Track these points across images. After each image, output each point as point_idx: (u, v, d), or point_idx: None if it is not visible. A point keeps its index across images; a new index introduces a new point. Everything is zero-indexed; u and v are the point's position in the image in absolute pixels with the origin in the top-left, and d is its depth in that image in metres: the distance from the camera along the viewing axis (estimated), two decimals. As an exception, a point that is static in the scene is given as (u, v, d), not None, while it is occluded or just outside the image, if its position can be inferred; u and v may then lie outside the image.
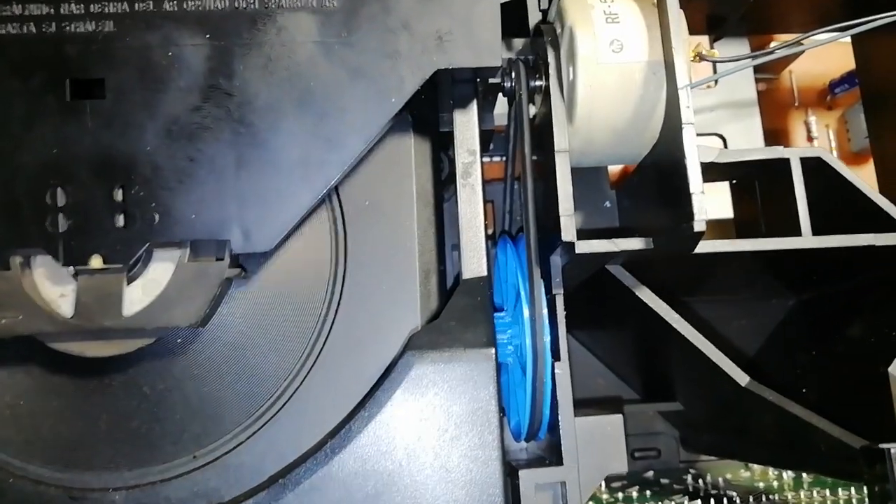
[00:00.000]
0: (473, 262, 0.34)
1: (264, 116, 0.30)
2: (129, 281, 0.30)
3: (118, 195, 0.30)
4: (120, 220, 0.30)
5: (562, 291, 0.33)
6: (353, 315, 0.33)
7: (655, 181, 0.33)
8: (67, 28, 0.30)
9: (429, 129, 0.35)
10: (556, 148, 0.31)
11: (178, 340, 0.32)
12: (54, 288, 0.30)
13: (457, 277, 0.35)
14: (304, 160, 0.30)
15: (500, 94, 0.36)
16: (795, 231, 0.34)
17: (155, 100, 0.30)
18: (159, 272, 0.30)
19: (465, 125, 0.35)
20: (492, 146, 0.43)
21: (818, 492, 0.44)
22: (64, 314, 0.30)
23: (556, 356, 0.32)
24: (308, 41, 0.31)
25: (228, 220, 0.30)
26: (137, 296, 0.30)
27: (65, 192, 0.30)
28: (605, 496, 0.44)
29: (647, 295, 0.34)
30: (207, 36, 0.30)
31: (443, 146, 0.37)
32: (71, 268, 0.30)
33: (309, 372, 0.32)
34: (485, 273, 0.34)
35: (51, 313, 0.29)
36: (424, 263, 0.34)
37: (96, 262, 0.30)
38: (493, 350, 0.31)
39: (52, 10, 0.30)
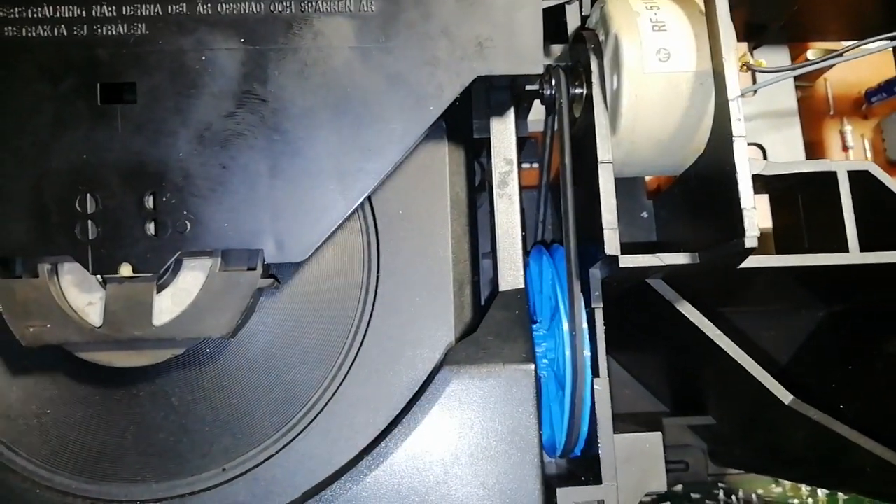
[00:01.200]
0: (510, 274, 0.33)
1: (299, 123, 0.30)
2: (159, 290, 0.30)
3: (149, 202, 0.29)
4: (150, 228, 0.29)
5: (601, 305, 0.32)
6: (386, 326, 0.32)
7: (700, 193, 0.32)
8: (99, 31, 0.30)
9: (462, 135, 0.35)
10: (599, 159, 0.30)
11: (208, 351, 0.32)
12: (82, 296, 0.30)
13: (491, 290, 0.34)
14: (339, 169, 0.30)
15: (538, 102, 0.35)
16: (842, 246, 0.33)
17: (187, 105, 0.29)
18: (189, 281, 0.30)
19: (503, 133, 0.34)
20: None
21: (856, 511, 0.43)
22: (92, 323, 0.29)
23: (595, 372, 0.31)
24: (345, 46, 0.30)
25: (261, 229, 0.29)
26: (167, 305, 0.30)
27: (94, 199, 0.29)
28: (636, 512, 0.43)
29: (688, 310, 0.33)
30: (242, 40, 0.30)
31: (476, 153, 0.37)
32: (99, 276, 0.29)
33: (342, 384, 0.32)
34: (522, 285, 0.33)
35: (79, 322, 0.29)
36: (458, 274, 0.33)
37: (126, 270, 0.29)
38: (532, 366, 0.30)
39: (83, 13, 0.30)
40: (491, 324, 0.32)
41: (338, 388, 0.32)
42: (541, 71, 0.30)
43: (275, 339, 0.32)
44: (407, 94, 0.30)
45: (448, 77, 0.30)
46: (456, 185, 0.34)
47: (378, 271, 0.33)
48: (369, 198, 0.32)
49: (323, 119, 0.30)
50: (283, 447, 0.31)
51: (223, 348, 0.32)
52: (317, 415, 0.31)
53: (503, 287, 0.33)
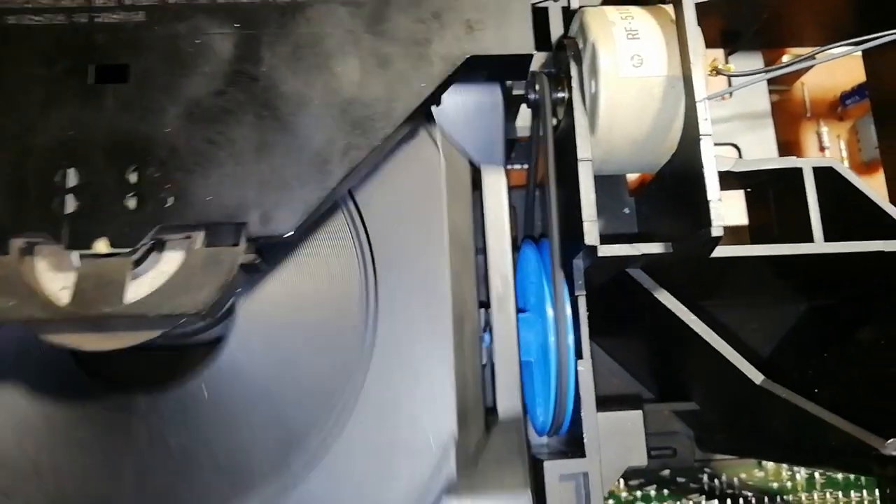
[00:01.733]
0: (508, 400, 0.34)
1: (289, 101, 0.30)
2: (141, 273, 0.28)
3: (132, 177, 0.29)
4: (132, 203, 0.28)
5: (584, 293, 0.34)
6: (387, 369, 0.31)
7: (673, 189, 0.34)
8: (98, 19, 0.30)
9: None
10: (579, 157, 0.33)
11: (205, 389, 0.31)
12: (57, 278, 0.28)
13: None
14: (328, 144, 0.30)
15: (525, 106, 0.37)
16: (808, 237, 0.35)
17: (178, 84, 0.30)
18: (172, 262, 0.29)
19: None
20: (513, 155, 0.45)
21: (830, 493, 0.45)
22: (61, 302, 0.27)
23: (579, 355, 0.34)
24: (337, 31, 0.31)
25: (247, 203, 0.29)
26: (145, 284, 0.28)
27: (76, 174, 0.29)
28: (623, 494, 0.45)
29: (665, 297, 0.36)
30: (236, 25, 0.30)
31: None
32: (77, 257, 0.28)
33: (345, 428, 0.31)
34: (519, 411, 0.34)
35: (45, 300, 0.27)
36: (458, 313, 0.32)
37: (102, 245, 0.28)
38: (528, 493, 0.31)
39: (84, 1, 0.30)
40: (491, 452, 0.32)
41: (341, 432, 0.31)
42: (531, 51, 0.32)
43: (275, 377, 0.31)
44: (397, 74, 0.30)
45: (439, 56, 0.31)
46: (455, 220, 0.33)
47: (377, 301, 0.32)
48: (367, 231, 0.32)
49: (313, 97, 0.30)
50: (282, 493, 0.30)
51: (222, 387, 0.31)
52: (319, 463, 0.30)
53: (502, 415, 0.33)
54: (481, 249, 0.35)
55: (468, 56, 0.31)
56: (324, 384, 0.31)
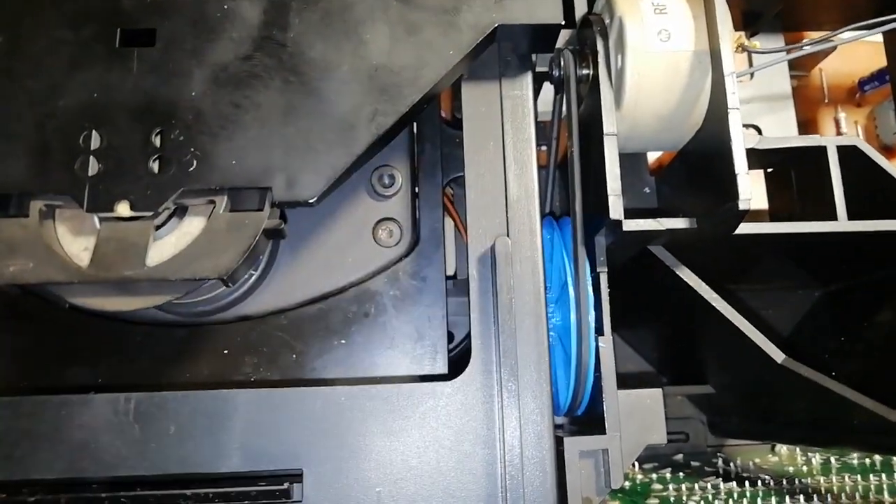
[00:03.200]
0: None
1: (317, 66, 0.30)
2: (162, 236, 0.28)
3: (156, 141, 0.29)
4: (155, 166, 0.29)
5: (606, 270, 0.34)
6: None
7: (698, 166, 0.34)
8: None
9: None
10: (604, 131, 0.32)
11: None
12: (78, 240, 0.28)
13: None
14: (355, 110, 0.30)
15: (548, 83, 0.37)
16: (831, 217, 0.35)
17: (204, 48, 0.30)
18: (195, 226, 0.29)
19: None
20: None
21: (849, 476, 0.45)
22: (81, 265, 0.28)
23: (600, 332, 0.34)
24: None
25: (272, 167, 0.29)
26: (167, 247, 0.28)
27: (100, 136, 0.29)
28: (639, 476, 0.45)
29: (686, 274, 0.36)
30: None
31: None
32: (97, 220, 0.28)
33: None
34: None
35: (66, 262, 0.27)
36: None
37: (123, 208, 0.28)
38: None
39: None
40: None
41: None
42: (560, 20, 0.32)
43: None
44: (425, 41, 0.31)
45: (468, 25, 0.31)
46: None
47: None
48: None
49: (341, 63, 0.30)
50: None
51: None
52: None
53: None
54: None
55: (497, 25, 0.31)
56: None
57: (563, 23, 0.32)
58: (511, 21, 0.31)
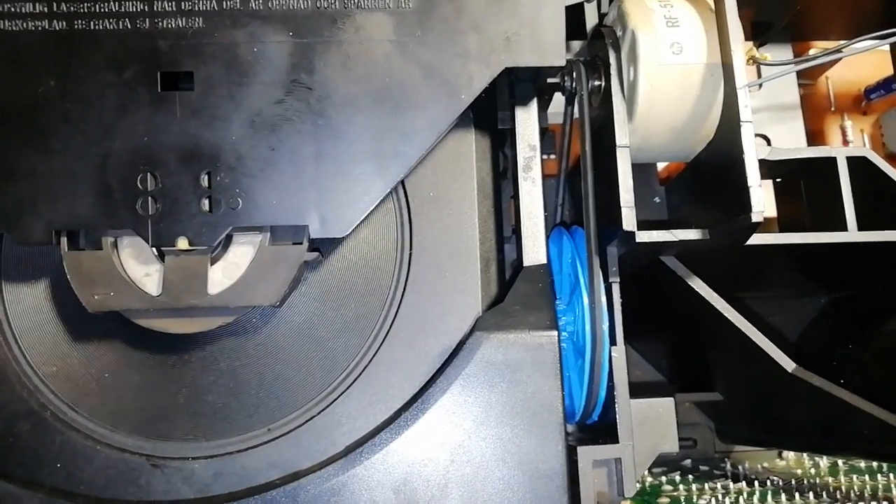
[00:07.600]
0: (534, 251, 0.36)
1: (342, 110, 0.32)
2: (211, 263, 0.32)
3: (204, 181, 0.32)
4: (206, 205, 0.32)
5: (618, 280, 0.35)
6: (419, 299, 0.35)
7: (709, 177, 0.34)
8: (160, 24, 0.32)
9: (488, 127, 0.38)
10: (617, 143, 0.33)
11: (254, 321, 0.34)
12: (140, 267, 0.32)
13: (515, 267, 0.37)
14: (378, 151, 0.32)
15: (559, 94, 0.37)
16: (840, 227, 0.35)
17: (240, 92, 0.32)
18: (239, 256, 0.32)
19: (526, 122, 0.37)
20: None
21: (857, 477, 0.45)
22: (150, 292, 0.32)
23: (613, 341, 0.34)
24: (384, 39, 0.33)
25: (307, 206, 0.32)
26: (218, 277, 0.32)
27: (154, 178, 0.32)
28: (648, 479, 0.45)
29: (698, 284, 0.36)
30: (290, 33, 0.32)
31: (500, 143, 0.39)
32: (155, 249, 0.32)
33: (378, 350, 0.34)
34: (544, 261, 0.36)
35: (140, 291, 0.32)
36: (485, 251, 0.36)
37: (182, 243, 0.32)
38: (555, 333, 0.33)
39: (145, 7, 0.32)
40: (517, 295, 0.34)
41: (374, 354, 0.34)
42: (563, 63, 0.33)
43: (316, 310, 0.35)
44: (440, 83, 0.32)
45: (478, 68, 0.33)
46: (482, 170, 0.37)
47: (410, 248, 0.35)
48: (403, 181, 0.35)
49: (364, 106, 0.32)
50: (324, 409, 0.34)
51: (268, 317, 0.34)
52: (355, 379, 0.34)
53: (527, 262, 0.35)
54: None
55: (504, 68, 0.32)
56: (361, 315, 0.35)
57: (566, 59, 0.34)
58: (518, 64, 0.33)
